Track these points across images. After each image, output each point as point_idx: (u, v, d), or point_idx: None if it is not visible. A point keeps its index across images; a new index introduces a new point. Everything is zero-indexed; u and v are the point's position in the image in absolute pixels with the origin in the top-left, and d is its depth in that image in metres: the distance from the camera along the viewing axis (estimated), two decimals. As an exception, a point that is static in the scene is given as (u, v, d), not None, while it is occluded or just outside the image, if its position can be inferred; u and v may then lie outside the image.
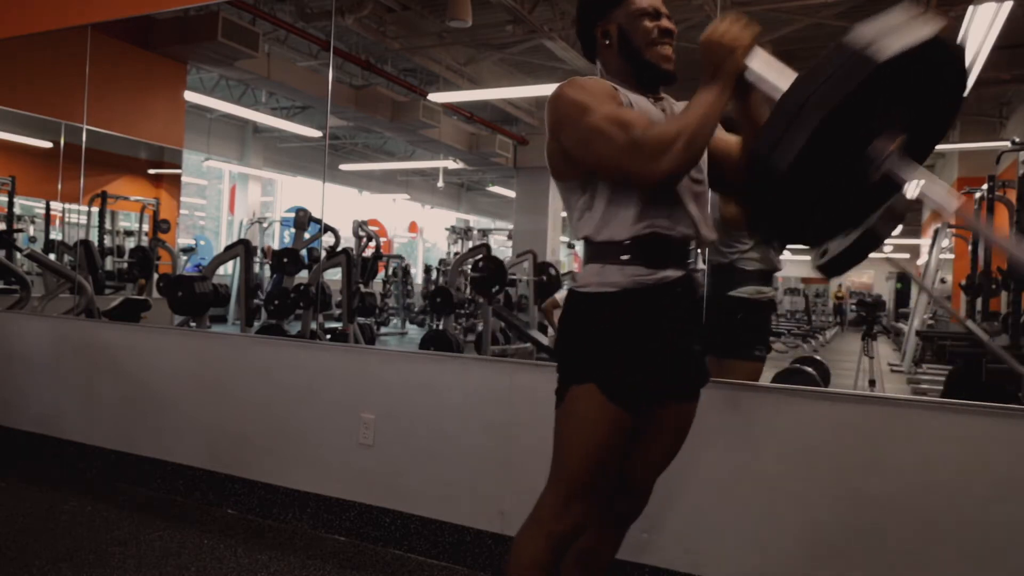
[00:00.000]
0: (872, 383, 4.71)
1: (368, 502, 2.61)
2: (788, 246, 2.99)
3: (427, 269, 9.82)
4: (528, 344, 5.75)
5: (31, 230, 6.64)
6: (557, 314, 4.81)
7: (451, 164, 10.80)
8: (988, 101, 6.42)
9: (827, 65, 1.08)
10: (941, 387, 4.57)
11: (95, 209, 6.15)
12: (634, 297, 1.38)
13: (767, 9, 4.87)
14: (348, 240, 7.22)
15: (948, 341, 5.76)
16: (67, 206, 5.94)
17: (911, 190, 1.13)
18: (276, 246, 8.61)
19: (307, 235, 6.14)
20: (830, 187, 1.21)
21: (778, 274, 2.46)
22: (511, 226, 10.97)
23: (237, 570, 2.34)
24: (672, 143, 1.28)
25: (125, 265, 6.36)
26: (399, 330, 8.84)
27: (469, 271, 6.13)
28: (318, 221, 6.29)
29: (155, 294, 5.62)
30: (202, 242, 10.67)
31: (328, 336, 5.22)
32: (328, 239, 6.10)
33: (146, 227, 6.85)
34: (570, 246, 11.49)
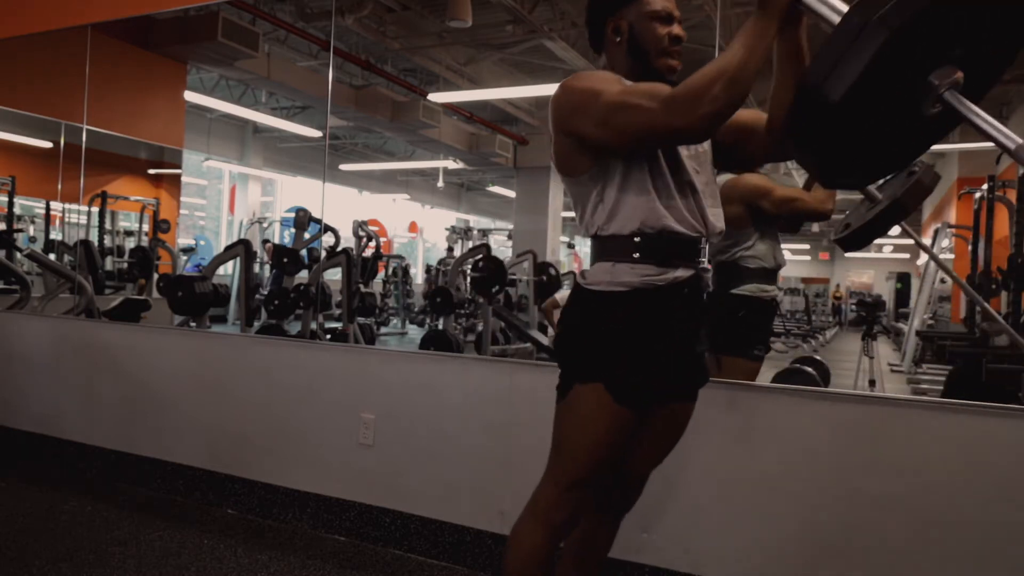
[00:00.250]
0: (872, 383, 4.71)
1: (368, 502, 2.61)
2: (788, 245, 2.98)
3: (428, 269, 9.82)
4: (528, 344, 5.75)
5: (31, 230, 6.64)
6: (557, 314, 4.81)
7: (451, 164, 10.80)
8: (988, 101, 6.41)
9: None
10: (941, 387, 4.57)
11: (95, 209, 6.15)
12: (644, 297, 1.38)
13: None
14: (348, 240, 7.23)
15: (948, 341, 5.76)
16: (67, 206, 5.93)
17: (974, 120, 1.05)
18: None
19: (307, 235, 6.14)
20: (882, 121, 1.13)
21: (778, 274, 2.47)
22: (511, 226, 10.97)
23: (237, 570, 2.34)
24: (711, 85, 1.19)
25: (125, 265, 6.36)
26: (399, 330, 8.85)
27: (469, 271, 6.13)
28: (318, 221, 6.29)
29: (155, 294, 5.62)
30: (202, 242, 10.67)
31: (328, 336, 5.22)
32: (328, 239, 6.10)
33: (146, 227, 6.85)
34: (570, 246, 11.49)
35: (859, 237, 1.48)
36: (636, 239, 1.38)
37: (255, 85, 8.05)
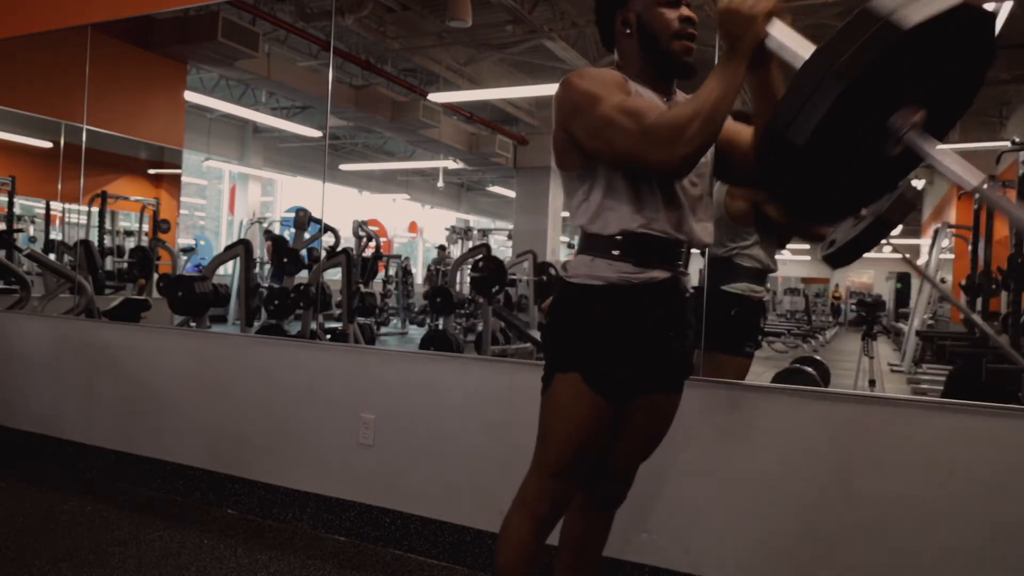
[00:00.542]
0: (872, 383, 4.71)
1: (368, 502, 2.61)
2: (789, 244, 2.98)
3: (428, 269, 9.82)
4: (528, 344, 5.75)
5: (31, 230, 6.64)
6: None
7: (451, 164, 10.80)
8: (988, 101, 6.42)
9: (850, 33, 1.04)
10: (941, 387, 4.57)
11: (95, 209, 6.15)
12: (620, 292, 1.41)
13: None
14: (348, 240, 7.22)
15: (948, 341, 5.76)
16: (67, 206, 5.93)
17: (934, 162, 1.08)
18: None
19: (307, 235, 6.14)
20: (848, 162, 1.17)
21: (778, 274, 2.47)
22: (511, 226, 10.98)
23: (237, 570, 2.34)
24: (687, 125, 1.25)
25: (125, 265, 6.36)
26: (399, 330, 8.85)
27: (469, 271, 6.13)
28: (318, 221, 6.28)
29: (155, 294, 5.61)
30: (202, 242, 10.67)
31: (328, 336, 5.22)
32: (328, 239, 6.10)
33: (146, 227, 6.85)
34: (570, 246, 11.48)
35: (845, 254, 1.50)
36: (618, 238, 1.41)
37: (255, 85, 8.05)
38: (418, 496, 2.53)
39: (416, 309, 9.10)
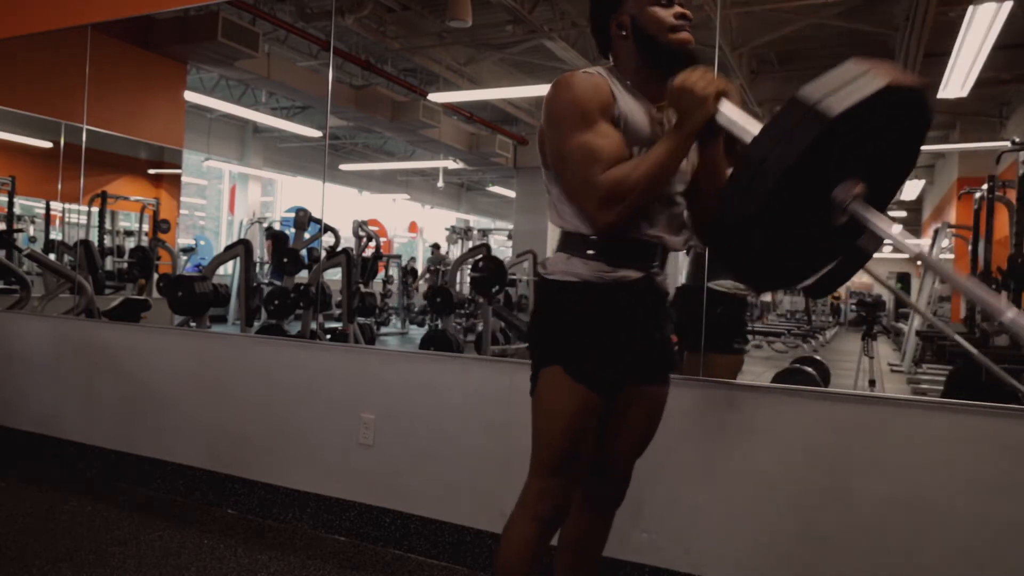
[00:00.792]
0: (872, 383, 4.70)
1: (368, 502, 2.61)
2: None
3: (428, 269, 9.82)
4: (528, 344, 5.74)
5: (31, 230, 6.64)
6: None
7: (451, 164, 10.80)
8: (988, 101, 6.42)
9: (782, 121, 1.10)
10: (941, 387, 4.56)
11: (95, 209, 6.15)
12: (594, 289, 1.44)
13: (767, 9, 4.87)
14: (348, 240, 7.22)
15: (948, 341, 5.76)
16: (67, 206, 5.94)
17: (877, 231, 1.15)
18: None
19: (307, 235, 6.15)
20: (797, 235, 1.24)
21: None
22: (511, 226, 10.97)
23: (237, 570, 2.34)
24: (627, 193, 1.34)
25: (125, 265, 6.36)
26: (399, 330, 8.85)
27: (469, 271, 6.13)
28: (318, 221, 6.29)
29: (155, 294, 5.62)
30: (202, 242, 10.66)
31: (328, 336, 5.22)
32: (328, 239, 6.11)
33: (146, 227, 6.85)
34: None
35: (823, 285, 1.51)
36: (592, 238, 1.44)
37: (255, 85, 8.05)
38: (418, 496, 2.53)
39: (416, 309, 9.10)
